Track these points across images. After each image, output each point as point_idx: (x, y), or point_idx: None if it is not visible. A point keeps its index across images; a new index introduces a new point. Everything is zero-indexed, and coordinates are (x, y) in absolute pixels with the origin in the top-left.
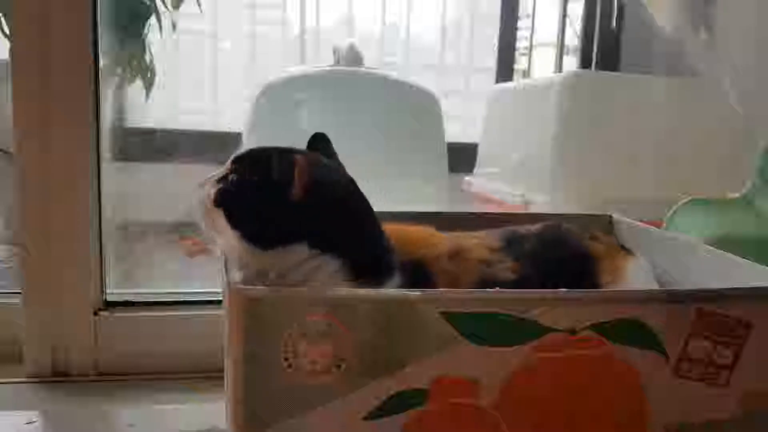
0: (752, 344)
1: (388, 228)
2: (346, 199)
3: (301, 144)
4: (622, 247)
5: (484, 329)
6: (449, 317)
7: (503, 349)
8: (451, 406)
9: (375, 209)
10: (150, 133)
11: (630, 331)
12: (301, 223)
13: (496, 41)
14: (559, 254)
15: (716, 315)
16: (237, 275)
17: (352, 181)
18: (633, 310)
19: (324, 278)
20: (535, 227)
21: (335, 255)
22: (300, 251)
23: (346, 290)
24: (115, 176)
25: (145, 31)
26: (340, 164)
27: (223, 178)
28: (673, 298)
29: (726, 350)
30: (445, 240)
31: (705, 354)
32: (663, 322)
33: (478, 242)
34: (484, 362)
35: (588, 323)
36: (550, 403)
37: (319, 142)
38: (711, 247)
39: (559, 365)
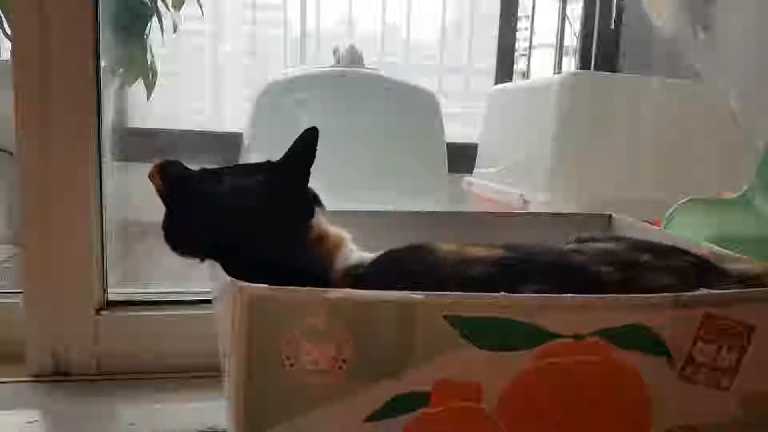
0: (754, 346)
1: None
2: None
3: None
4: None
5: (489, 333)
6: (453, 320)
7: (507, 354)
8: (453, 409)
9: (374, 209)
10: (151, 133)
11: (636, 337)
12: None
13: (495, 42)
14: None
15: (722, 318)
16: None
17: (211, 180)
18: (639, 316)
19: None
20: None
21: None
22: None
23: (350, 291)
24: (115, 176)
25: (147, 31)
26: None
27: None
28: (680, 302)
29: (729, 353)
30: None
31: (709, 357)
32: (669, 326)
33: None
34: (487, 367)
35: (594, 329)
36: (553, 408)
37: (304, 139)
38: (711, 246)
39: (563, 371)
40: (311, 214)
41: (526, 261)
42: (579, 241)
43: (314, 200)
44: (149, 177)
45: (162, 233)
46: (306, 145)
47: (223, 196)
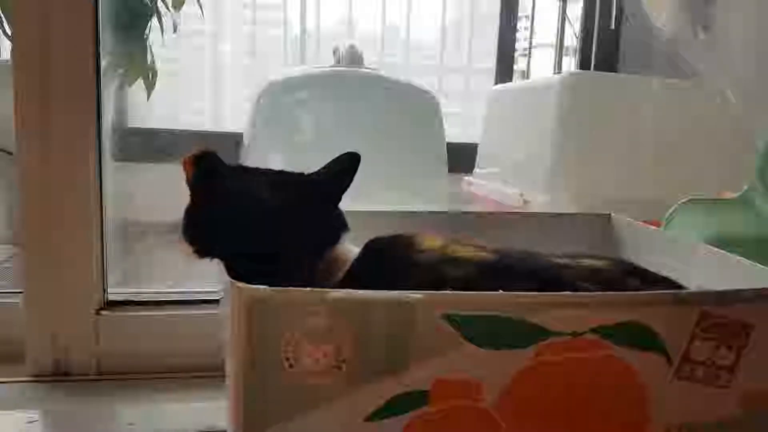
0: (753, 345)
1: None
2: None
3: (302, 143)
4: None
5: (487, 332)
6: (451, 319)
7: (506, 352)
8: (452, 408)
9: (374, 209)
10: (151, 133)
11: (633, 334)
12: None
13: (495, 42)
14: None
15: (719, 317)
16: None
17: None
18: (637, 313)
19: None
20: None
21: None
22: None
23: (349, 291)
24: (115, 176)
25: (147, 31)
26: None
27: None
28: (678, 300)
29: (727, 351)
30: None
31: (707, 355)
32: (667, 324)
33: None
34: (486, 365)
35: (592, 326)
36: (552, 405)
37: (345, 161)
38: (711, 247)
39: (561, 368)
40: (337, 240)
41: (511, 267)
42: (568, 256)
43: (342, 224)
44: (183, 165)
45: (180, 225)
46: (346, 168)
47: (252, 201)
